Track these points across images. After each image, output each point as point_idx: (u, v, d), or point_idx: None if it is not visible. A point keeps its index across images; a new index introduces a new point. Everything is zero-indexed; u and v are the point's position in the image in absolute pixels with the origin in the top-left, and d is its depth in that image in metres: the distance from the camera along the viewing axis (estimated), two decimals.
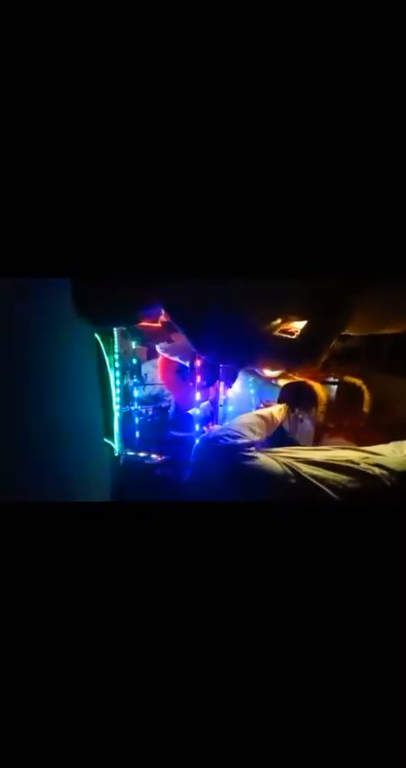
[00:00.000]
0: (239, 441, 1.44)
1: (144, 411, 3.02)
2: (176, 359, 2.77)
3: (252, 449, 1.44)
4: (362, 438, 1.76)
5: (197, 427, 2.63)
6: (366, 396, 1.81)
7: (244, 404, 2.55)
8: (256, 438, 1.51)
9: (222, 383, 2.62)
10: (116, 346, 2.64)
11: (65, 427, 2.32)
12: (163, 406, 3.11)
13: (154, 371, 3.03)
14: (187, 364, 2.79)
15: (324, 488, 1.35)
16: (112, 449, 2.96)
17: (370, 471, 1.41)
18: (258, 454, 1.42)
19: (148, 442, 2.83)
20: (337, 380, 1.96)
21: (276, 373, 2.07)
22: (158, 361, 2.93)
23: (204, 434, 1.69)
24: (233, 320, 1.41)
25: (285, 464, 1.38)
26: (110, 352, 2.63)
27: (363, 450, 1.52)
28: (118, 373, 2.66)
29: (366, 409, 1.80)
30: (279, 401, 1.96)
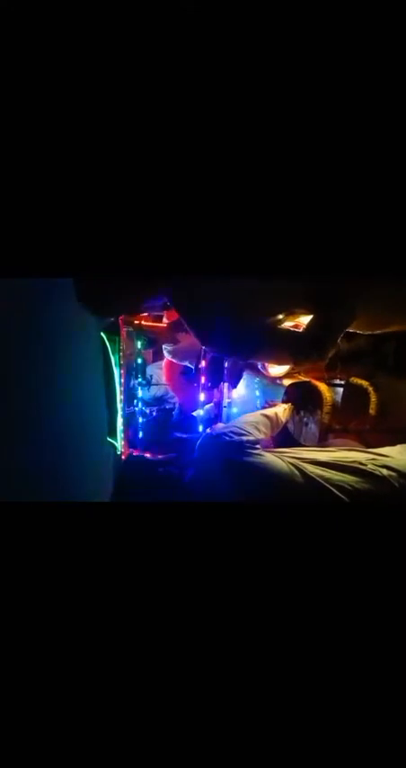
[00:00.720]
0: (244, 438, 1.42)
1: (148, 412, 3.02)
2: (181, 362, 2.78)
3: (257, 447, 1.42)
4: (368, 440, 1.74)
5: (200, 429, 2.62)
6: (373, 398, 1.79)
7: (249, 405, 2.54)
8: (261, 436, 1.49)
9: (226, 384, 2.62)
10: (121, 345, 2.64)
11: (68, 425, 2.33)
12: (167, 407, 3.11)
13: (158, 373, 3.03)
14: (192, 366, 2.79)
15: (331, 488, 1.33)
16: (115, 448, 2.96)
17: (378, 473, 1.39)
18: (263, 452, 1.41)
19: (151, 443, 2.82)
20: (343, 382, 1.94)
21: (281, 372, 2.05)
22: (163, 363, 2.94)
23: (208, 432, 1.68)
24: (239, 312, 1.41)
25: (291, 463, 1.36)
26: (115, 350, 2.63)
27: (370, 452, 1.50)
28: (122, 371, 2.66)
29: (372, 411, 1.78)
30: (284, 401, 1.95)
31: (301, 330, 1.49)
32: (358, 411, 1.83)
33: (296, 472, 1.35)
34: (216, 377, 2.66)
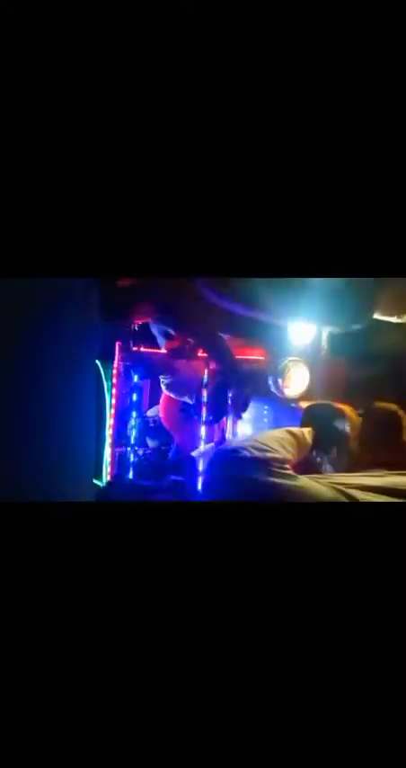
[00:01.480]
0: (269, 455, 1.16)
1: (141, 453, 2.73)
2: (180, 397, 2.56)
3: (287, 467, 1.16)
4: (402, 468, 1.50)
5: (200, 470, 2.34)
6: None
7: None
8: (288, 456, 1.23)
9: (230, 419, 2.38)
10: (113, 372, 2.41)
11: (53, 462, 2.05)
12: (162, 448, 2.83)
13: (155, 409, 2.80)
14: (191, 401, 2.57)
15: None
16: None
17: None
18: (297, 475, 1.15)
19: (143, 487, 2.50)
20: (362, 413, 1.72)
21: (299, 392, 1.84)
22: (161, 399, 2.71)
23: (221, 446, 1.42)
24: None
25: (335, 489, 1.10)
26: (109, 377, 2.40)
27: None
28: (113, 400, 2.40)
29: None
30: (303, 424, 1.70)
31: None
32: (389, 439, 1.59)
33: (345, 500, 1.09)
34: (220, 410, 2.43)
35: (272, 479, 1.10)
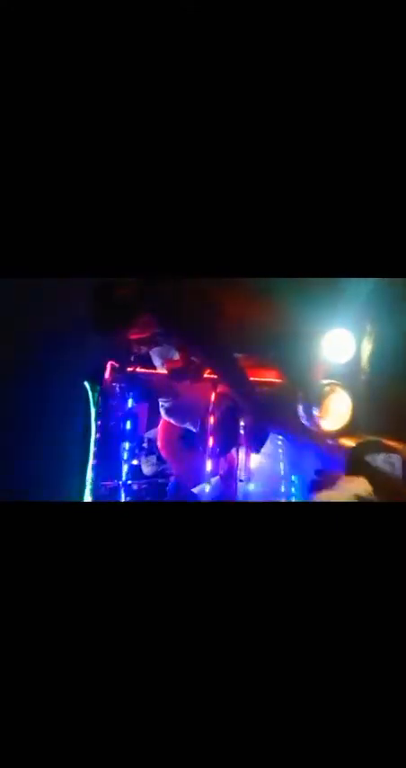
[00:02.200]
0: None
1: (135, 488, 2.35)
2: (181, 424, 2.21)
3: None
4: None
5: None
6: None
7: (273, 479, 1.94)
8: None
9: (242, 450, 2.02)
10: (98, 398, 2.04)
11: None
12: (159, 481, 2.45)
13: (153, 432, 2.42)
14: (194, 429, 2.21)
15: None
16: None
17: None
18: None
19: None
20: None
21: (338, 426, 1.48)
22: (159, 425, 2.35)
23: None
24: None
25: None
26: (96, 402, 2.03)
27: None
28: (98, 422, 2.01)
29: None
30: (353, 471, 1.31)
31: None
32: None
33: None
34: (229, 440, 2.07)
35: None
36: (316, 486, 1.26)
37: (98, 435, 2.09)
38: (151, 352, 2.03)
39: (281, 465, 1.93)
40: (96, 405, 2.00)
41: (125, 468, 2.25)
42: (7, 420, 1.94)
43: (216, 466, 2.08)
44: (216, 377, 1.99)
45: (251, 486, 2.01)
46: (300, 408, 1.59)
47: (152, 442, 2.42)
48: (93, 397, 2.04)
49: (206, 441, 1.98)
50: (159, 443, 2.37)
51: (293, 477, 2.08)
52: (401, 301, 1.44)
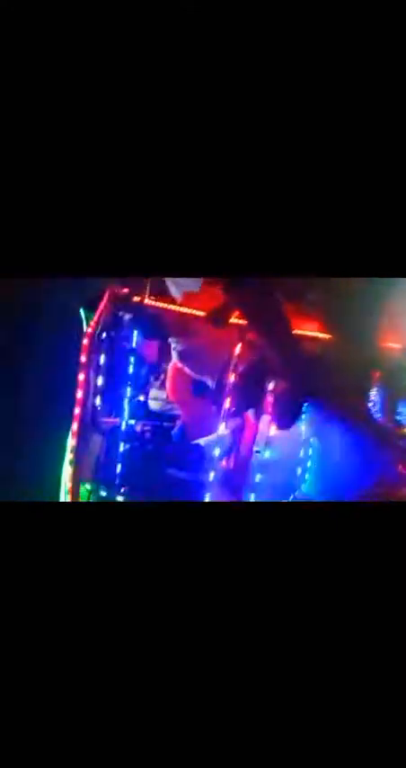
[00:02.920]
0: None
1: (138, 429, 2.06)
2: (196, 374, 1.84)
3: None
4: None
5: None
6: None
7: (292, 443, 1.64)
8: None
9: (264, 419, 1.68)
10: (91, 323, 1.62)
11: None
12: (164, 425, 2.16)
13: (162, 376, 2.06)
14: (212, 385, 1.85)
15: None
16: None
17: None
18: None
19: (134, 484, 1.85)
20: None
21: None
22: (170, 366, 1.99)
23: None
24: None
25: None
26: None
27: None
28: (83, 355, 1.60)
29: None
30: None
31: None
32: None
33: None
34: (248, 400, 1.72)
35: None
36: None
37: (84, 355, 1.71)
38: (167, 280, 1.59)
39: (302, 428, 1.59)
40: (91, 338, 1.60)
41: (127, 404, 1.94)
42: None
43: (232, 432, 1.76)
44: (244, 322, 1.57)
45: (267, 454, 1.71)
46: (374, 393, 1.16)
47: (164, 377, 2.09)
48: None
49: (222, 401, 1.62)
50: (168, 387, 2.03)
51: (311, 440, 1.76)
52: None
